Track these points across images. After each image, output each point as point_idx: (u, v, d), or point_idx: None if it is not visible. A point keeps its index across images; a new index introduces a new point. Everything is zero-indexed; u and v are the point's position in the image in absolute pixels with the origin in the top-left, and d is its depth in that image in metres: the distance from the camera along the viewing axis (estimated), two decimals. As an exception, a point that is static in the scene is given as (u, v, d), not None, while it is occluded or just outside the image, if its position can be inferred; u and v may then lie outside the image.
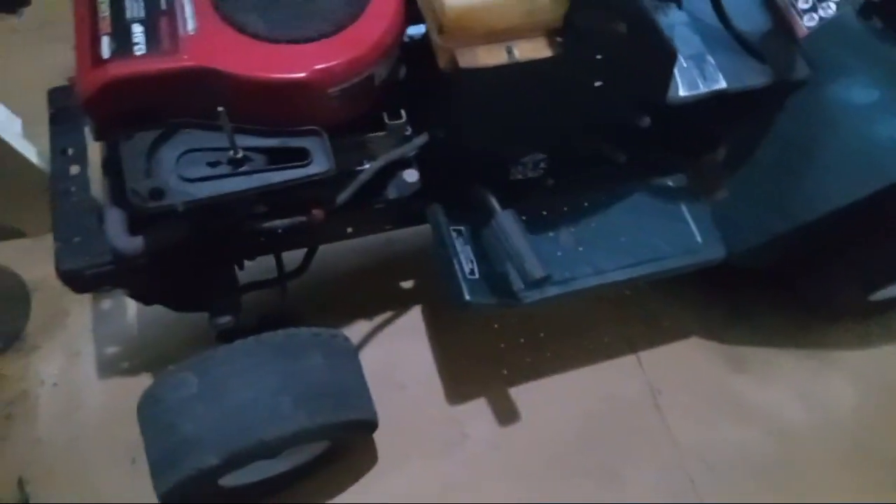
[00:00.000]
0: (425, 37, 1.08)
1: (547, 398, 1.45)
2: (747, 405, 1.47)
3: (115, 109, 0.94)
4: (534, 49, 1.00)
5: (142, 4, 0.97)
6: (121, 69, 0.91)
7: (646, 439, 1.42)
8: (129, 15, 0.95)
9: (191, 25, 0.96)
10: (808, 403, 1.48)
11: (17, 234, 1.54)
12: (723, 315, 1.57)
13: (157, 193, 0.92)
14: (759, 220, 1.27)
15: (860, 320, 1.57)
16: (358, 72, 0.99)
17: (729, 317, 1.57)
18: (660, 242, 1.31)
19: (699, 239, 1.32)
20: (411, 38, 1.14)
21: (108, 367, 1.42)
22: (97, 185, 1.13)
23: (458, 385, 1.45)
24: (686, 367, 1.51)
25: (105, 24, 0.94)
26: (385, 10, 1.02)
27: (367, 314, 1.52)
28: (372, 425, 1.21)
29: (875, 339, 1.56)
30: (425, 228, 1.27)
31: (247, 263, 1.26)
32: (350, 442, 1.31)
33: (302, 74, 0.95)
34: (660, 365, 1.51)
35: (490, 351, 1.49)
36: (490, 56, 0.99)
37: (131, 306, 1.48)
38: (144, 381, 1.39)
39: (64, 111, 1.20)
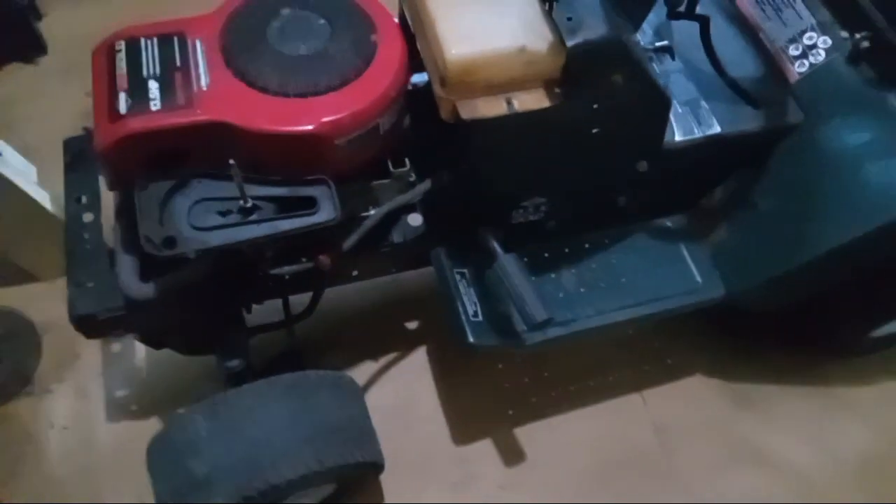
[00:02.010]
0: (428, 85, 1.12)
1: (553, 439, 1.45)
2: (754, 446, 1.46)
3: (131, 161, 0.98)
4: (533, 100, 1.04)
5: (157, 61, 1.01)
6: (137, 124, 0.95)
7: (653, 482, 1.42)
8: (145, 72, 1.00)
9: (204, 81, 1.00)
10: (815, 444, 1.47)
11: (28, 277, 1.57)
12: (727, 353, 1.57)
13: (170, 242, 0.95)
14: (758, 261, 1.29)
15: (861, 357, 1.57)
16: (364, 123, 1.03)
17: (733, 354, 1.57)
18: (660, 283, 1.33)
19: (699, 279, 1.34)
20: (414, 85, 1.18)
21: (117, 410, 1.43)
22: (108, 231, 1.16)
23: (464, 425, 1.45)
24: (692, 405, 1.51)
25: (122, 80, 0.99)
26: (390, 63, 1.06)
27: (374, 354, 1.53)
28: (378, 467, 1.21)
29: (877, 377, 1.56)
30: (430, 269, 1.30)
31: (254, 306, 1.28)
32: (356, 484, 1.31)
33: (310, 127, 0.98)
34: (665, 404, 1.51)
35: (495, 391, 1.50)
36: (490, 107, 1.02)
37: (140, 349, 1.50)
38: (153, 423, 1.40)
39: (79, 160, 1.23)
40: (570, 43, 0.98)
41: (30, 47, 1.94)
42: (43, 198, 1.47)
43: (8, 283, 1.57)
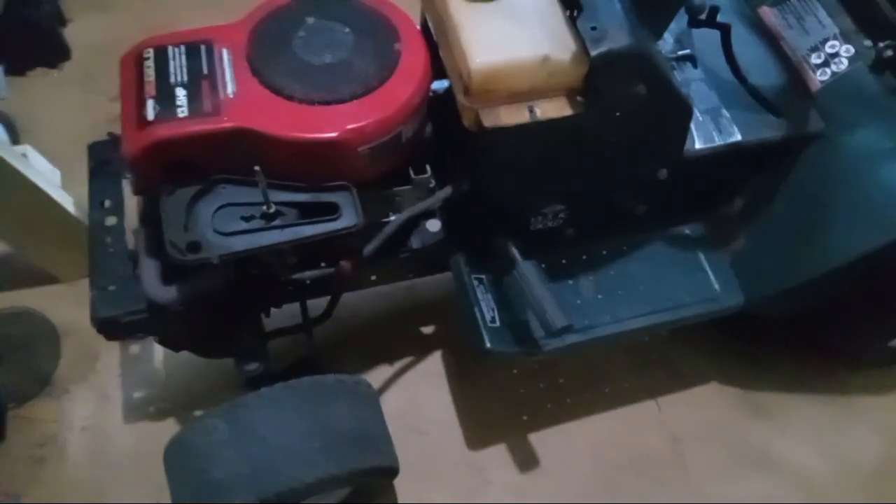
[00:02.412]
0: (448, 92, 1.12)
1: (568, 445, 1.45)
2: (770, 455, 1.46)
3: (158, 167, 0.99)
4: (555, 108, 1.04)
5: (185, 69, 1.02)
6: (165, 131, 0.96)
7: (668, 489, 1.41)
8: (172, 79, 1.01)
9: (230, 88, 1.01)
10: (830, 453, 1.47)
11: (49, 279, 1.59)
12: (742, 361, 1.57)
13: (195, 246, 0.96)
14: (777, 270, 1.29)
15: (881, 367, 1.56)
16: (387, 131, 1.04)
17: (748, 363, 1.56)
18: (678, 291, 1.33)
19: (717, 287, 1.34)
20: (435, 92, 1.19)
21: (136, 411, 1.45)
22: (131, 235, 1.17)
23: (478, 431, 1.46)
24: (706, 414, 1.51)
25: (150, 87, 1.00)
26: (413, 72, 1.07)
27: (389, 359, 1.53)
28: (394, 471, 1.21)
29: (891, 386, 1.55)
30: (446, 275, 1.30)
31: (272, 310, 1.29)
32: (372, 488, 1.32)
33: (334, 134, 0.99)
34: (680, 412, 1.50)
35: (510, 396, 1.50)
36: (513, 115, 1.03)
37: (159, 351, 1.51)
38: (171, 424, 1.42)
39: (103, 165, 1.25)
40: (593, 53, 0.99)
41: (54, 53, 1.96)
42: (66, 201, 1.48)
43: (29, 285, 1.59)
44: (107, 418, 1.44)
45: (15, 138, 1.69)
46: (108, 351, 1.51)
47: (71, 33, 2.03)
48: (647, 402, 1.52)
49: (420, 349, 1.55)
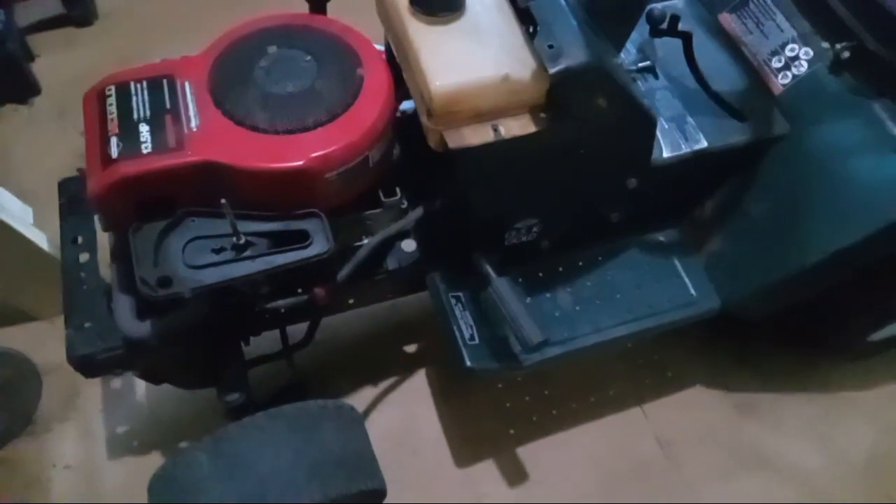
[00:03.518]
0: (415, 113, 1.13)
1: (557, 456, 1.45)
2: (760, 452, 1.47)
3: (124, 204, 0.99)
4: (519, 126, 1.04)
5: (147, 104, 1.02)
6: (129, 168, 0.96)
7: (660, 493, 1.42)
8: (135, 115, 1.01)
9: (194, 122, 1.01)
10: (820, 447, 1.48)
11: (27, 317, 1.58)
12: (727, 361, 1.58)
13: (165, 281, 0.96)
14: (751, 271, 1.30)
15: (864, 359, 1.57)
16: (354, 156, 1.04)
17: (733, 362, 1.58)
18: (655, 297, 1.34)
19: (693, 292, 1.35)
20: (402, 113, 1.19)
21: (120, 447, 1.44)
22: (105, 269, 1.17)
23: (467, 447, 1.46)
24: (695, 416, 1.52)
25: (113, 125, 1.00)
26: (376, 96, 1.07)
27: (373, 380, 1.53)
28: (381, 494, 1.21)
29: (880, 377, 1.57)
30: (427, 294, 1.30)
31: (252, 338, 1.28)
32: (360, 513, 1.31)
33: (300, 162, 0.99)
34: (668, 415, 1.51)
35: (497, 411, 1.50)
36: (477, 135, 1.03)
37: (141, 384, 1.50)
38: (156, 458, 1.41)
39: (74, 201, 1.24)
40: (551, 70, 0.99)
41: (23, 89, 1.96)
42: (40, 239, 1.48)
43: (6, 324, 1.58)
44: (91, 455, 1.43)
45: (-14, 177, 1.69)
46: (90, 387, 1.50)
47: (39, 69, 2.03)
48: (634, 408, 1.52)
49: (405, 368, 1.55)
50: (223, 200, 0.95)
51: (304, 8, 1.21)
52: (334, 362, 1.54)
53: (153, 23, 2.17)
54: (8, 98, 1.95)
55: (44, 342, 1.53)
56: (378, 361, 1.57)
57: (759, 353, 1.58)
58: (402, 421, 1.48)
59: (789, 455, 1.46)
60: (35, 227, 1.50)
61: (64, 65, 2.04)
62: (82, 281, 1.17)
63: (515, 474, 1.43)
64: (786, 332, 1.52)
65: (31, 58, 2.03)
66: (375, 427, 1.22)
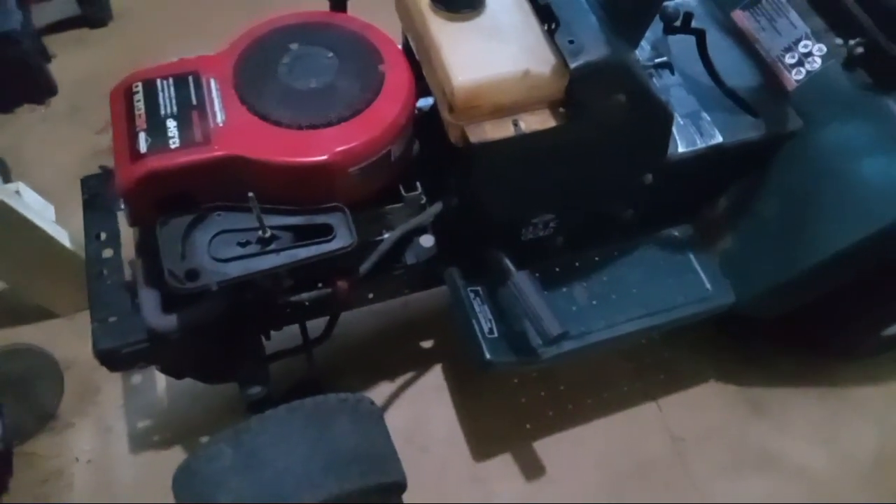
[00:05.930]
0: (434, 108, 1.14)
1: (571, 452, 1.46)
2: (769, 451, 1.48)
3: (152, 198, 1.01)
4: (539, 121, 1.06)
5: (174, 100, 1.04)
6: (157, 162, 0.97)
7: (672, 491, 1.43)
8: (163, 111, 1.03)
9: (220, 117, 1.03)
10: (828, 447, 1.49)
11: (47, 314, 1.60)
12: (737, 359, 1.59)
13: (193, 274, 0.97)
14: (764, 268, 1.31)
15: (872, 357, 1.58)
16: (376, 151, 1.05)
17: (743, 361, 1.59)
18: (671, 292, 1.35)
19: (708, 287, 1.36)
20: (420, 109, 1.21)
21: (140, 442, 1.45)
22: (128, 266, 1.18)
23: (482, 442, 1.47)
24: (706, 413, 1.53)
25: (141, 120, 1.02)
26: (398, 92, 1.09)
27: (390, 375, 1.55)
28: (401, 486, 1.22)
29: (888, 378, 1.58)
30: (440, 289, 1.32)
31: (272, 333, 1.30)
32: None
33: (324, 157, 1.01)
34: (679, 412, 1.52)
35: (512, 406, 1.52)
36: (498, 130, 1.05)
37: (160, 380, 1.52)
38: (176, 453, 1.42)
39: (96, 197, 1.26)
40: (572, 65, 1.01)
41: (41, 89, 1.96)
42: (61, 235, 1.49)
43: (28, 321, 1.60)
44: (111, 451, 1.45)
45: (6, 176, 1.71)
46: (110, 383, 1.52)
47: (56, 69, 2.04)
48: (647, 404, 1.53)
49: (420, 364, 1.57)
50: (250, 194, 0.96)
51: (316, 7, 1.23)
52: (351, 358, 1.55)
53: (167, 23, 2.19)
54: (26, 98, 1.96)
55: (64, 339, 1.56)
56: (394, 358, 1.58)
57: (768, 353, 1.59)
58: (417, 417, 1.50)
59: (796, 454, 1.47)
60: (56, 224, 1.51)
61: (78, 65, 2.07)
62: (106, 276, 1.18)
63: (529, 470, 1.44)
64: (797, 332, 1.52)
65: (48, 58, 2.05)
66: (390, 421, 1.21)
